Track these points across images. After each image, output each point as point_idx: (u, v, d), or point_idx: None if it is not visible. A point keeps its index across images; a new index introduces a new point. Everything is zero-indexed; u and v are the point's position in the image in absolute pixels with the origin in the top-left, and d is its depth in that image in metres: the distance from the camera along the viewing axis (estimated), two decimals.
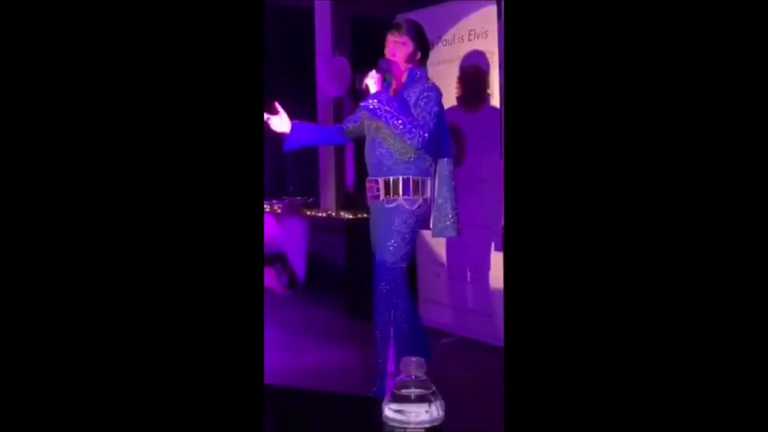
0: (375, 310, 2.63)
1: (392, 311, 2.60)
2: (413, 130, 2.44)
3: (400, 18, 2.66)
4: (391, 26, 2.59)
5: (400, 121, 2.43)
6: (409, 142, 2.46)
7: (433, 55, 3.59)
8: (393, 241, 2.56)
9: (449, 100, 3.39)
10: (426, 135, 2.46)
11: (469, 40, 3.37)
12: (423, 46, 2.62)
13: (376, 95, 2.47)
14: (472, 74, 3.35)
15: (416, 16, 3.64)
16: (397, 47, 2.56)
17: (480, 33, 3.31)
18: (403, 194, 2.55)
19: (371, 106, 2.46)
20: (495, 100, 3.25)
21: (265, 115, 2.60)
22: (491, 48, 3.24)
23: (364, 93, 2.47)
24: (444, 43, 3.52)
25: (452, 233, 2.73)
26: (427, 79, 2.62)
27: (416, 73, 2.59)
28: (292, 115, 2.73)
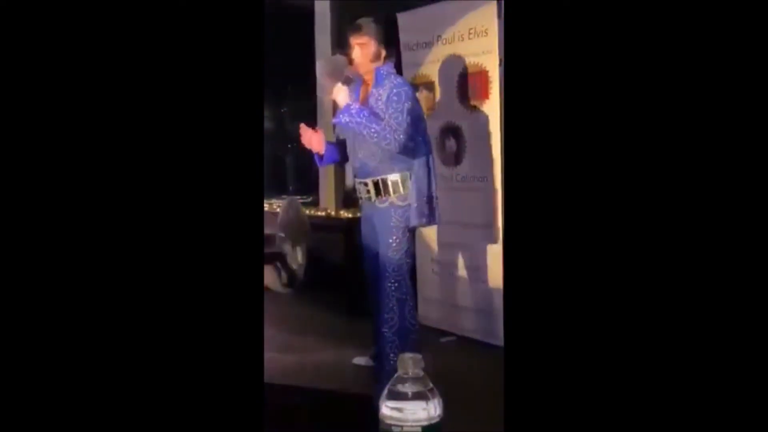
0: (381, 309, 2.63)
1: (399, 308, 2.60)
2: (387, 136, 2.43)
3: (361, 19, 2.58)
4: (351, 28, 2.57)
5: (373, 130, 2.43)
6: (386, 147, 2.46)
7: (433, 54, 3.61)
8: (395, 237, 2.59)
9: (449, 98, 3.39)
10: (401, 137, 2.45)
11: (469, 39, 3.37)
12: (386, 43, 2.60)
13: (346, 109, 2.48)
14: (472, 73, 3.35)
15: (416, 14, 3.64)
16: (361, 48, 2.56)
17: (480, 31, 3.30)
18: (394, 193, 2.57)
19: (343, 121, 2.49)
20: (495, 99, 3.25)
21: (306, 130, 2.61)
22: (491, 46, 3.24)
23: (334, 108, 2.48)
24: (444, 41, 3.52)
25: (432, 222, 2.70)
26: (396, 74, 2.59)
27: (383, 71, 2.57)
28: (293, 114, 2.76)
